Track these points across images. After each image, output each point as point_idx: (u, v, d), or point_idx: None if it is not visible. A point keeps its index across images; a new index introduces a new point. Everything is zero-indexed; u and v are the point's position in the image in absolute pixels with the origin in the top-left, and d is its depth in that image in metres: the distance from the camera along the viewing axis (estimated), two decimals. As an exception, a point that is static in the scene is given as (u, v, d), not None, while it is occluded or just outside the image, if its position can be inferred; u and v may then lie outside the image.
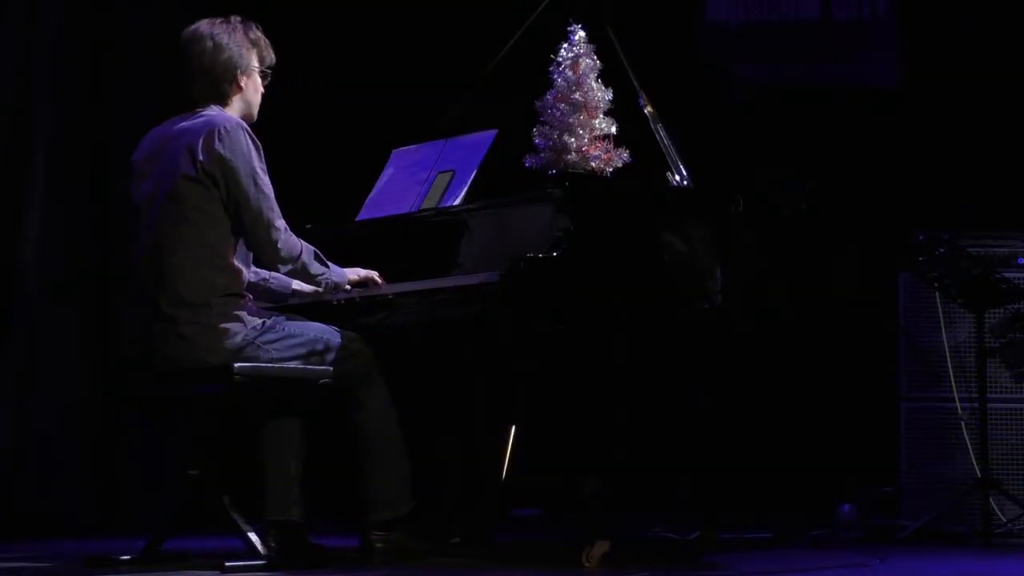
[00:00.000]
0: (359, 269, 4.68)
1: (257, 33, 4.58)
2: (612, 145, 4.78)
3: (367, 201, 5.15)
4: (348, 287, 4.64)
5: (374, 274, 4.68)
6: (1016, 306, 5.58)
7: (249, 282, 4.54)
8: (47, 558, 4.89)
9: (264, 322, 4.44)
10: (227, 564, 4.22)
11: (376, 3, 6.76)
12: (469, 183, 4.84)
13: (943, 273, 5.57)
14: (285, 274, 4.61)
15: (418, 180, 4.99)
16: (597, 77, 4.81)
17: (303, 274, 4.56)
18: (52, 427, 5.98)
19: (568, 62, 4.81)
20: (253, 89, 4.57)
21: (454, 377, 5.01)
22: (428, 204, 4.89)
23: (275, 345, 4.40)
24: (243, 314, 4.41)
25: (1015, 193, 6.39)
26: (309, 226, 4.83)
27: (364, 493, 4.49)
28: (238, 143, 4.38)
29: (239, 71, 4.52)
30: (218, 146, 4.37)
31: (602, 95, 4.79)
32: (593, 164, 4.75)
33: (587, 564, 4.32)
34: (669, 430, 4.96)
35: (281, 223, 4.44)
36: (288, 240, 4.46)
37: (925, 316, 5.85)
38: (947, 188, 6.51)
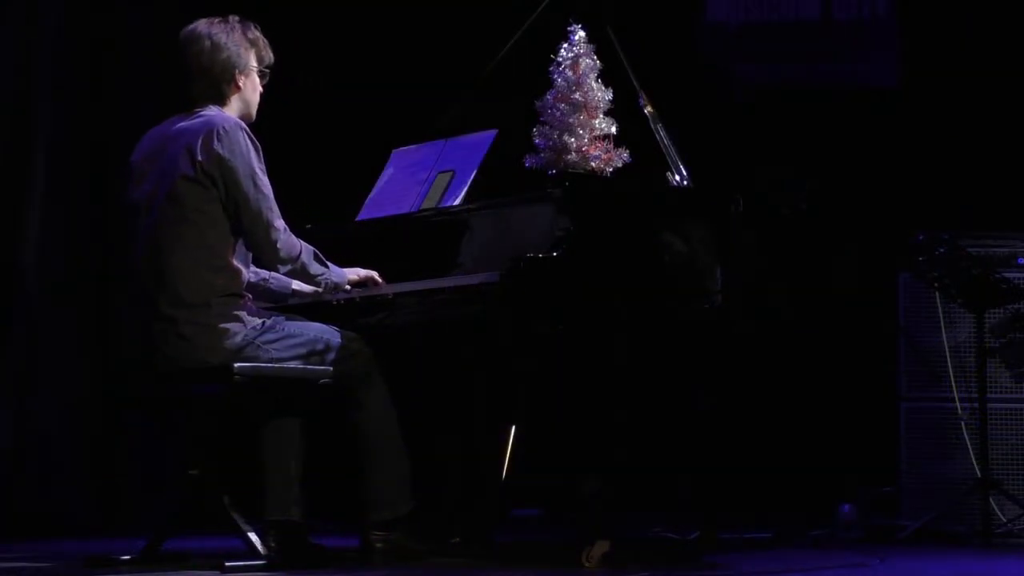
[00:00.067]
0: (359, 269, 4.68)
1: (255, 33, 4.58)
2: (612, 145, 4.78)
3: (367, 201, 5.15)
4: (348, 287, 4.64)
5: (374, 274, 4.68)
6: (1016, 306, 5.58)
7: (249, 282, 4.54)
8: (47, 558, 4.89)
9: (264, 322, 4.44)
10: (227, 564, 4.22)
11: (376, 3, 6.76)
12: (469, 183, 4.84)
13: (943, 273, 5.57)
14: (284, 274, 4.61)
15: (418, 180, 4.99)
16: (597, 77, 4.81)
17: (303, 274, 4.56)
18: (52, 427, 5.98)
19: (568, 62, 4.81)
20: (252, 89, 4.57)
21: (454, 377, 5.01)
22: (428, 204, 4.89)
23: (275, 345, 4.40)
24: (243, 314, 4.41)
25: (1015, 193, 6.39)
26: (309, 226, 4.83)
27: (364, 493, 4.49)
28: (237, 143, 4.38)
29: (237, 71, 4.52)
30: (217, 146, 4.37)
31: (602, 95, 4.79)
32: (593, 164, 4.75)
33: (587, 564, 4.32)
34: (669, 430, 4.96)
35: (280, 223, 4.44)
36: (288, 240, 4.46)
37: (925, 316, 5.85)
38: (947, 188, 6.51)
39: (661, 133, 4.80)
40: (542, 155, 4.79)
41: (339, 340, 4.47)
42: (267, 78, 4.61)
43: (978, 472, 5.52)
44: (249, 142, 4.41)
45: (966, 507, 5.55)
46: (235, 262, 4.43)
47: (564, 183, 4.40)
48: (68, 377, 6.03)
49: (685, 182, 4.71)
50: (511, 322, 4.68)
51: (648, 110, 4.85)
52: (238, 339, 4.37)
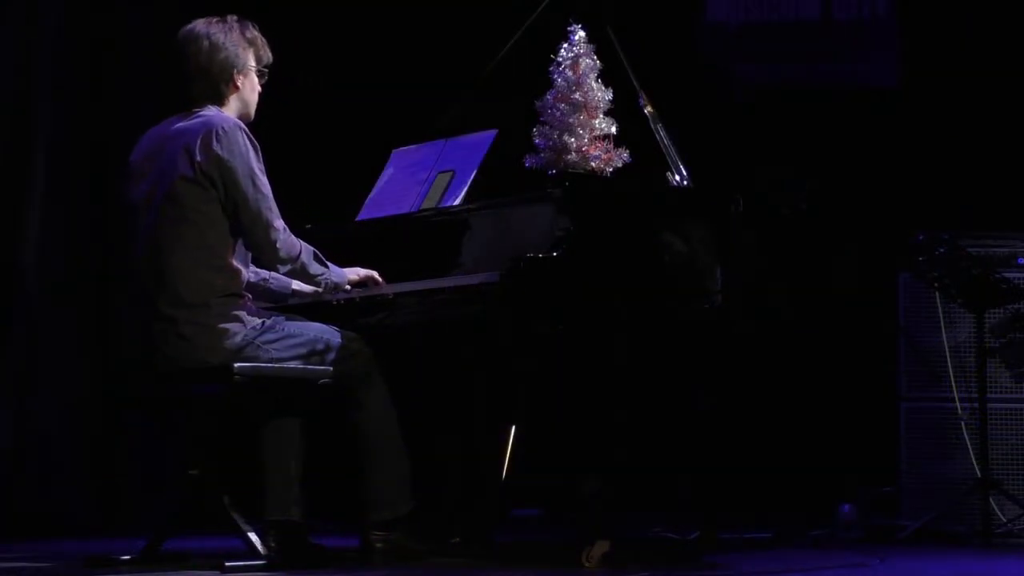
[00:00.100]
0: (359, 269, 4.68)
1: (254, 32, 4.58)
2: (612, 145, 4.78)
3: (367, 201, 5.15)
4: (348, 287, 4.64)
5: (374, 274, 4.68)
6: (1016, 306, 5.58)
7: (249, 282, 4.54)
8: (47, 558, 4.89)
9: (264, 322, 4.44)
10: (227, 564, 4.22)
11: (376, 3, 6.76)
12: (469, 183, 4.84)
13: (943, 273, 5.57)
14: (284, 274, 4.61)
15: (418, 180, 4.99)
16: (597, 77, 4.81)
17: (302, 274, 4.56)
18: (52, 427, 5.98)
19: (568, 62, 4.81)
20: (250, 88, 4.56)
21: (454, 377, 5.01)
22: (428, 204, 4.89)
23: (275, 345, 4.40)
24: (242, 314, 4.41)
25: (1015, 193, 6.39)
26: (309, 226, 4.83)
27: (364, 493, 4.49)
28: (236, 144, 4.38)
29: (236, 71, 4.51)
30: (216, 147, 4.36)
31: (602, 95, 4.79)
32: (593, 164, 4.75)
33: (587, 564, 4.32)
34: (669, 430, 4.96)
35: (280, 223, 4.44)
36: (287, 240, 4.46)
37: (925, 316, 5.85)
38: (947, 188, 6.51)
39: (661, 133, 4.80)
40: (542, 155, 4.79)
41: (339, 340, 4.47)
42: (266, 77, 4.60)
43: (978, 472, 5.52)
44: (248, 142, 4.41)
45: (966, 507, 5.55)
46: (235, 262, 4.43)
47: (564, 183, 4.40)
48: (68, 377, 6.03)
49: (685, 182, 4.71)
50: (511, 322, 4.68)
51: (648, 110, 4.85)
52: (238, 339, 4.37)
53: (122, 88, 6.23)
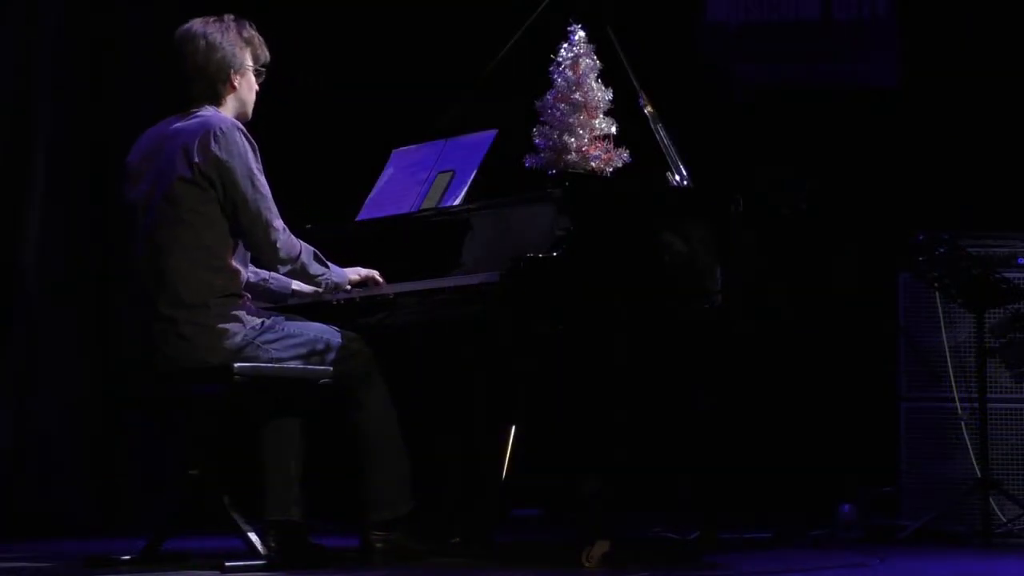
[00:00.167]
0: (360, 269, 4.68)
1: (251, 31, 4.57)
2: (612, 145, 4.78)
3: (367, 201, 5.15)
4: (348, 287, 4.64)
5: (374, 274, 4.68)
6: (1016, 306, 5.58)
7: (248, 282, 4.54)
8: (47, 558, 4.88)
9: (263, 322, 4.44)
10: (227, 564, 4.22)
11: (376, 3, 6.76)
12: (469, 183, 4.84)
13: (943, 273, 5.57)
14: (284, 274, 4.61)
15: (418, 180, 4.99)
16: (597, 77, 4.81)
17: (303, 274, 4.56)
18: (52, 427, 5.98)
19: (568, 62, 4.81)
20: (247, 88, 4.56)
21: (454, 377, 5.01)
22: (428, 204, 4.89)
23: (275, 345, 4.40)
24: (242, 314, 4.41)
25: (1015, 193, 6.39)
26: (309, 226, 4.83)
27: (364, 493, 4.49)
28: (234, 144, 4.38)
29: (233, 70, 4.51)
30: (214, 148, 4.36)
31: (602, 95, 4.79)
32: (593, 164, 4.75)
33: (587, 564, 4.31)
34: (669, 430, 4.96)
35: (279, 223, 4.44)
36: (287, 240, 4.46)
37: (925, 316, 5.85)
38: (947, 188, 6.51)
39: (661, 133, 4.80)
40: (542, 155, 4.79)
41: (339, 340, 4.47)
42: (263, 77, 4.60)
43: (978, 472, 5.52)
44: (246, 142, 4.41)
45: (966, 507, 5.55)
46: (234, 263, 4.42)
47: (564, 183, 4.40)
48: (68, 377, 6.03)
49: (685, 182, 4.71)
50: (511, 322, 4.68)
51: (648, 110, 4.85)
52: (238, 339, 4.37)
53: (122, 88, 6.23)
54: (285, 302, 4.75)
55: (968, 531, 5.53)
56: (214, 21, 4.52)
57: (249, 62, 4.55)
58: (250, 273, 4.57)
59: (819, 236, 5.43)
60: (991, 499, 5.49)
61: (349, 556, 4.57)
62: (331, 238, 4.81)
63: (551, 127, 4.78)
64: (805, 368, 6.28)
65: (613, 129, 4.78)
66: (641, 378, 4.58)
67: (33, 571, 4.58)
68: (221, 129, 4.38)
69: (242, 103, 4.55)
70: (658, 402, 4.83)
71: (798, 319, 5.20)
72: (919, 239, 5.53)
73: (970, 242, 5.62)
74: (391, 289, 4.63)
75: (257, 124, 4.57)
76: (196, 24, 4.51)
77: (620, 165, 4.77)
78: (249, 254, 4.51)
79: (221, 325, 4.36)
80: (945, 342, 5.79)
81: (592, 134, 4.76)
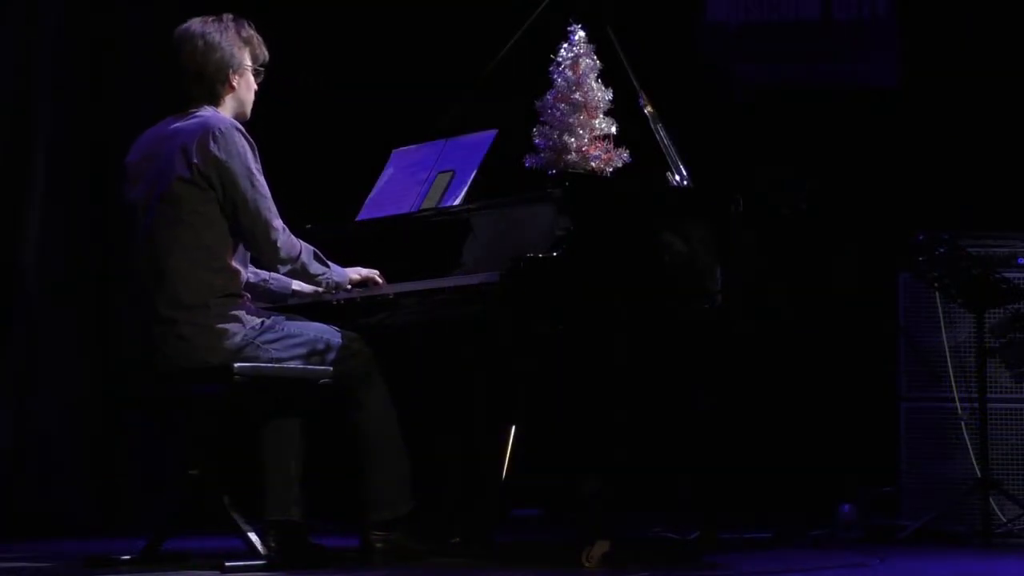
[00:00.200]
0: (360, 269, 4.68)
1: (249, 31, 4.57)
2: (612, 145, 4.78)
3: (367, 201, 5.15)
4: (349, 286, 4.64)
5: (375, 274, 4.68)
6: (1016, 306, 5.58)
7: (248, 283, 4.54)
8: (47, 558, 4.88)
9: (263, 322, 4.44)
10: (227, 564, 4.22)
11: (376, 3, 6.76)
12: (469, 183, 4.84)
13: (943, 273, 5.57)
14: (285, 274, 4.61)
15: (418, 180, 4.99)
16: (597, 77, 4.81)
17: (303, 274, 4.56)
18: (52, 427, 5.98)
19: (568, 62, 4.81)
20: (246, 88, 4.55)
21: (454, 377, 5.01)
22: (428, 204, 4.89)
23: (275, 345, 4.40)
24: (241, 314, 4.41)
25: (1015, 193, 6.39)
26: (309, 226, 4.83)
27: (364, 493, 4.49)
28: (233, 144, 4.38)
29: (231, 71, 4.50)
30: (213, 148, 4.36)
31: (602, 95, 4.79)
32: (593, 164, 4.75)
33: (587, 564, 4.31)
34: (669, 430, 4.96)
35: (279, 223, 4.44)
36: (287, 240, 4.46)
37: (925, 316, 5.85)
38: (947, 188, 6.51)
39: (661, 133, 4.80)
40: (542, 155, 4.79)
41: (339, 340, 4.47)
42: (262, 76, 4.60)
43: (978, 472, 5.52)
44: (245, 142, 4.41)
45: (966, 507, 5.55)
46: (234, 263, 4.42)
47: (564, 183, 4.40)
48: (68, 377, 6.02)
49: (685, 182, 4.71)
50: (511, 322, 4.68)
51: (648, 110, 4.85)
52: (237, 339, 4.36)
53: (122, 88, 6.23)
54: (285, 302, 4.75)
55: (968, 531, 5.54)
56: (213, 21, 4.52)
57: (248, 62, 4.54)
58: (250, 274, 4.57)
59: (819, 236, 5.43)
60: (991, 499, 5.49)
61: (349, 556, 4.57)
62: (331, 238, 4.81)
63: (551, 127, 4.78)
64: (805, 368, 6.28)
65: (613, 129, 4.79)
66: (641, 378, 4.58)
67: (33, 571, 4.58)
68: (220, 129, 4.38)
69: (241, 103, 4.55)
70: (658, 402, 4.83)
71: (798, 319, 5.20)
72: (919, 239, 5.53)
73: (970, 242, 5.62)
74: (391, 289, 4.63)
75: (257, 124, 4.57)
76: (195, 24, 4.51)
77: (620, 165, 4.77)
78: (249, 254, 4.51)
79: (221, 325, 4.36)
80: (945, 342, 5.79)
81: (592, 134, 4.76)
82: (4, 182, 5.96)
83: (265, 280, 4.71)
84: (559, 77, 4.81)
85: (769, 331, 5.15)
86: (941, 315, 5.80)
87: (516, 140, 4.83)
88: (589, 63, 4.81)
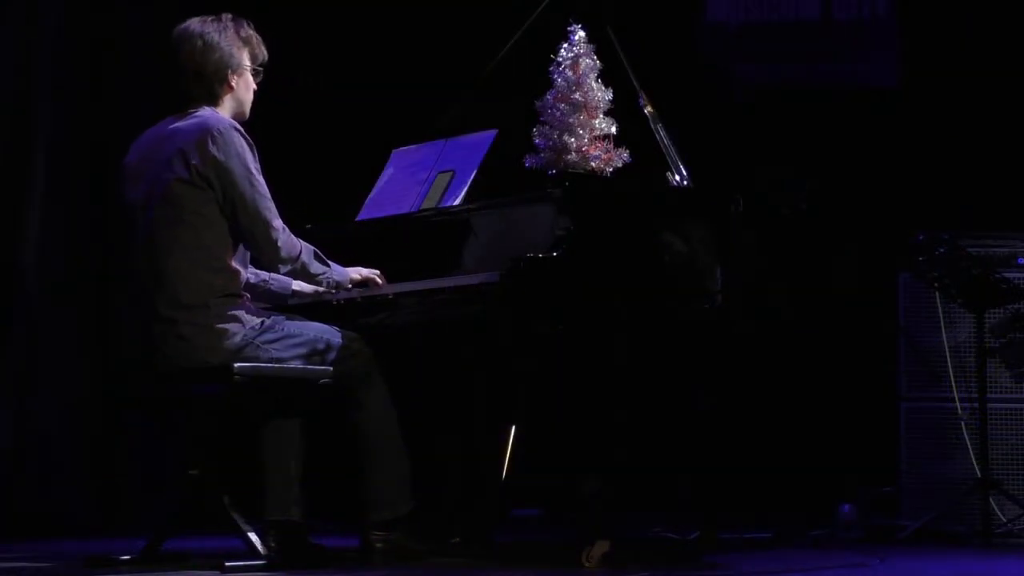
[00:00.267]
0: (361, 268, 4.68)
1: (248, 31, 4.57)
2: (612, 145, 4.78)
3: (367, 201, 5.15)
4: (350, 285, 4.64)
5: (375, 273, 4.67)
6: (1016, 306, 5.58)
7: (249, 283, 4.53)
8: (47, 558, 4.88)
9: (263, 321, 4.44)
10: (227, 564, 4.22)
11: (376, 3, 6.76)
12: (469, 183, 4.84)
13: (943, 273, 5.57)
14: (285, 274, 4.60)
15: (418, 180, 4.99)
16: (597, 77, 4.81)
17: (303, 274, 4.56)
18: (52, 427, 5.98)
19: (568, 62, 4.81)
20: (245, 88, 4.55)
21: (454, 377, 5.01)
22: (428, 204, 4.89)
23: (275, 345, 4.39)
24: (241, 314, 4.41)
25: (1015, 193, 6.39)
26: (309, 226, 4.83)
27: (364, 493, 4.49)
28: (232, 145, 4.37)
29: (230, 71, 4.50)
30: (212, 149, 4.36)
31: (602, 95, 4.79)
32: (593, 164, 4.75)
33: (587, 564, 4.31)
34: (669, 430, 4.96)
35: (279, 223, 4.44)
36: (288, 240, 4.46)
37: (925, 316, 5.85)
38: (947, 188, 6.51)
39: (661, 133, 4.80)
40: (542, 155, 4.79)
41: (339, 340, 4.47)
42: (261, 76, 4.59)
43: (978, 472, 5.52)
44: (244, 143, 4.40)
45: (966, 507, 5.55)
46: (234, 263, 4.42)
47: (564, 183, 4.40)
48: (68, 377, 6.02)
49: (685, 182, 4.71)
50: (511, 322, 4.68)
51: (648, 110, 4.85)
52: (237, 339, 4.36)
53: (122, 88, 6.23)
54: (285, 303, 4.75)
55: (968, 531, 5.53)
56: (212, 20, 4.51)
57: (247, 62, 4.54)
58: (250, 274, 4.57)
59: (819, 236, 5.43)
60: (991, 499, 5.49)
61: (349, 556, 4.57)
62: (331, 238, 4.81)
63: (551, 127, 4.78)
64: (805, 368, 6.28)
65: (613, 129, 4.78)
66: (641, 378, 4.58)
67: (33, 571, 4.58)
68: (218, 130, 4.37)
69: (239, 103, 4.55)
70: (658, 402, 4.83)
71: (798, 319, 5.20)
72: (919, 239, 5.53)
73: (970, 242, 5.62)
74: (391, 289, 4.63)
75: (257, 124, 4.57)
76: (194, 23, 4.51)
77: (620, 165, 4.77)
78: (249, 254, 4.51)
79: (220, 325, 4.36)
80: (945, 342, 5.79)
81: (592, 134, 4.76)
82: (4, 182, 5.96)
83: (265, 281, 4.70)
84: (559, 77, 4.81)
85: (769, 331, 5.15)
86: (941, 315, 5.80)
87: (516, 140, 4.83)
88: (589, 63, 4.81)
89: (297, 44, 6.23)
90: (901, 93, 6.90)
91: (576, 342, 4.40)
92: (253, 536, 4.35)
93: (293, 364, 4.39)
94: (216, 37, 4.48)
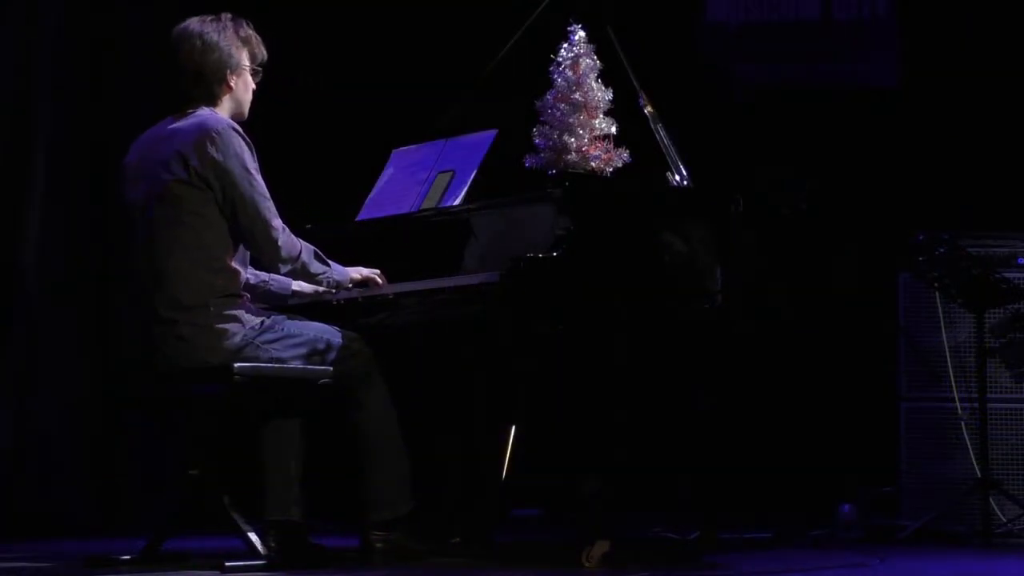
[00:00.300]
0: (361, 268, 4.68)
1: (248, 31, 4.56)
2: (612, 145, 4.78)
3: (367, 201, 5.15)
4: (350, 285, 4.64)
5: (376, 273, 4.67)
6: (1016, 306, 5.58)
7: (249, 284, 4.53)
8: (47, 558, 4.88)
9: (263, 321, 4.44)
10: (227, 564, 4.22)
11: (376, 3, 6.76)
12: (469, 183, 4.84)
13: (943, 273, 5.57)
14: (285, 274, 4.60)
15: (418, 180, 4.99)
16: (597, 77, 4.81)
17: (303, 273, 4.56)
18: (52, 427, 5.98)
19: (568, 62, 4.81)
20: (243, 88, 4.55)
21: (454, 377, 5.01)
22: (428, 204, 4.89)
23: (275, 345, 4.39)
24: (241, 313, 4.41)
25: (1015, 193, 6.39)
26: (309, 226, 4.83)
27: (364, 493, 4.49)
28: (230, 145, 4.37)
29: (229, 71, 4.50)
30: (211, 150, 4.35)
31: (602, 95, 4.79)
32: (593, 164, 4.75)
33: (587, 564, 4.31)
34: (669, 430, 4.96)
35: (278, 222, 4.44)
36: (288, 239, 4.46)
37: (925, 316, 5.85)
38: (947, 188, 6.51)
39: (661, 133, 4.80)
40: (542, 155, 4.79)
41: (339, 340, 4.46)
42: (260, 76, 4.59)
43: (978, 472, 5.52)
44: (243, 143, 4.40)
45: (966, 507, 5.55)
46: (233, 263, 4.42)
47: (564, 183, 4.40)
48: (68, 377, 6.02)
49: (685, 182, 4.71)
50: (511, 322, 4.68)
51: (648, 110, 4.85)
52: (237, 339, 4.36)
53: (122, 88, 6.23)
54: (285, 303, 4.75)
55: (968, 531, 5.53)
56: (211, 20, 4.51)
57: (246, 62, 4.54)
58: (250, 275, 4.57)
59: (819, 236, 5.43)
60: (991, 499, 5.49)
61: (349, 556, 4.57)
62: (331, 238, 4.81)
63: (551, 127, 4.78)
64: (805, 368, 6.28)
65: (613, 129, 4.79)
66: (641, 378, 4.58)
67: (33, 571, 4.58)
68: (217, 131, 4.37)
69: (238, 103, 4.55)
70: (658, 402, 4.83)
71: (798, 319, 5.20)
72: (919, 239, 5.53)
73: (970, 242, 5.62)
74: (391, 289, 4.63)
75: (257, 124, 4.57)
76: (193, 23, 4.51)
77: (620, 165, 4.77)
78: (248, 254, 4.51)
79: (220, 325, 4.36)
80: (945, 342, 5.79)
81: (592, 134, 4.76)
82: (4, 182, 5.96)
83: (265, 282, 4.70)
84: (559, 77, 4.81)
85: (769, 331, 5.15)
86: (941, 315, 5.80)
87: (516, 140, 4.83)
88: (589, 63, 4.81)
89: (297, 44, 6.23)
90: (901, 93, 6.90)
91: (576, 342, 4.40)
92: (253, 536, 4.35)
93: (293, 364, 4.39)
94: (215, 37, 4.48)
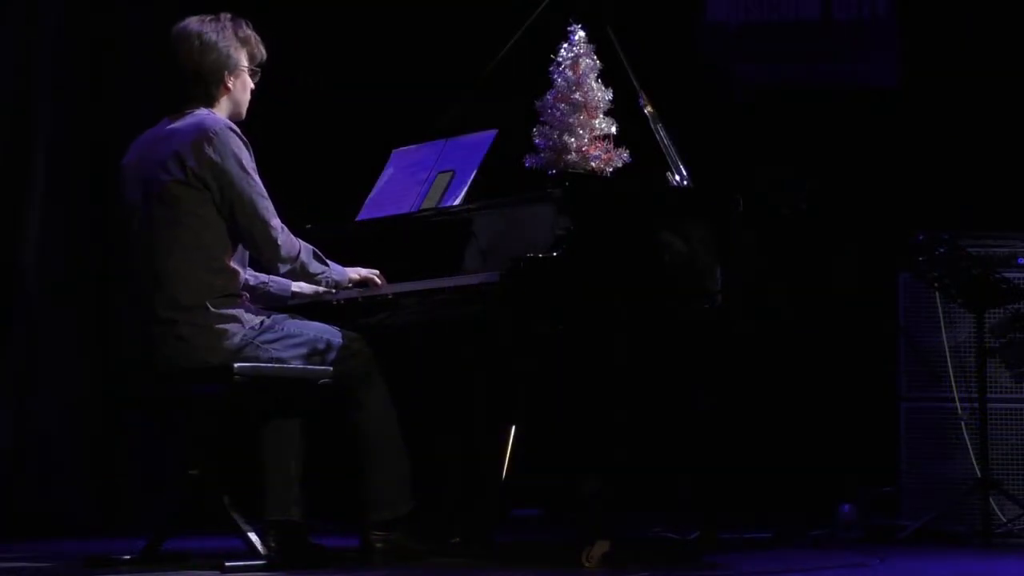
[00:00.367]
0: (360, 268, 4.68)
1: (247, 31, 4.56)
2: (612, 145, 4.78)
3: (367, 201, 5.15)
4: (349, 285, 4.64)
5: (375, 273, 4.67)
6: (1016, 306, 5.58)
7: (248, 285, 4.53)
8: (47, 558, 4.88)
9: (263, 321, 4.44)
10: (227, 564, 4.22)
11: (376, 3, 6.76)
12: (469, 183, 4.84)
13: (943, 273, 5.57)
14: (284, 274, 4.60)
15: (418, 180, 4.99)
16: (597, 77, 4.81)
17: (303, 273, 4.55)
18: (52, 427, 5.98)
19: (568, 62, 4.81)
20: (242, 88, 4.54)
21: (454, 377, 5.01)
22: (428, 204, 4.89)
23: (275, 345, 4.39)
24: (241, 313, 4.41)
25: (1015, 193, 6.39)
26: (309, 226, 4.83)
27: (364, 493, 4.49)
28: (228, 145, 4.37)
29: (227, 72, 4.49)
30: (208, 151, 4.35)
31: (602, 95, 4.79)
32: (593, 164, 4.75)
33: (587, 564, 4.31)
34: (669, 430, 4.96)
35: (277, 222, 4.44)
36: (287, 239, 4.45)
37: (925, 316, 5.85)
38: (947, 188, 6.51)
39: (661, 133, 4.80)
40: (542, 155, 4.79)
41: (340, 340, 4.46)
42: (259, 76, 4.59)
43: (978, 472, 5.52)
44: (240, 143, 4.40)
45: (966, 507, 5.55)
46: (232, 263, 4.42)
47: (564, 183, 4.40)
48: (68, 377, 6.02)
49: (685, 182, 4.71)
50: (511, 322, 4.68)
51: (648, 110, 4.85)
52: (237, 339, 4.36)
53: (122, 88, 6.23)
54: (285, 305, 4.75)
55: (968, 531, 5.53)
56: (210, 20, 4.51)
57: (245, 62, 4.54)
58: (249, 276, 4.57)
59: (819, 236, 5.43)
60: (991, 499, 5.49)
61: (349, 556, 4.57)
62: (331, 238, 4.81)
63: (551, 127, 4.78)
64: (805, 368, 6.28)
65: (613, 129, 4.78)
66: (641, 378, 4.58)
67: (33, 571, 4.58)
68: (214, 131, 4.37)
69: (236, 103, 4.54)
70: (658, 402, 4.83)
71: (798, 319, 5.20)
72: (919, 239, 5.53)
73: (970, 242, 5.63)
74: (391, 289, 4.63)
75: (256, 124, 4.57)
76: (192, 23, 4.50)
77: (620, 165, 4.77)
78: (247, 255, 4.51)
79: (220, 325, 4.36)
80: (945, 342, 5.79)
81: (592, 134, 4.76)
82: (4, 182, 5.96)
83: (265, 283, 4.70)
84: (559, 77, 4.81)
85: (769, 331, 5.16)
86: (941, 315, 5.80)
87: (516, 140, 4.83)
88: (589, 63, 4.81)
89: (297, 44, 6.23)
90: (901, 93, 6.90)
91: (576, 342, 4.40)
92: (253, 536, 4.35)
93: (293, 364, 4.39)
94: (214, 37, 4.47)
